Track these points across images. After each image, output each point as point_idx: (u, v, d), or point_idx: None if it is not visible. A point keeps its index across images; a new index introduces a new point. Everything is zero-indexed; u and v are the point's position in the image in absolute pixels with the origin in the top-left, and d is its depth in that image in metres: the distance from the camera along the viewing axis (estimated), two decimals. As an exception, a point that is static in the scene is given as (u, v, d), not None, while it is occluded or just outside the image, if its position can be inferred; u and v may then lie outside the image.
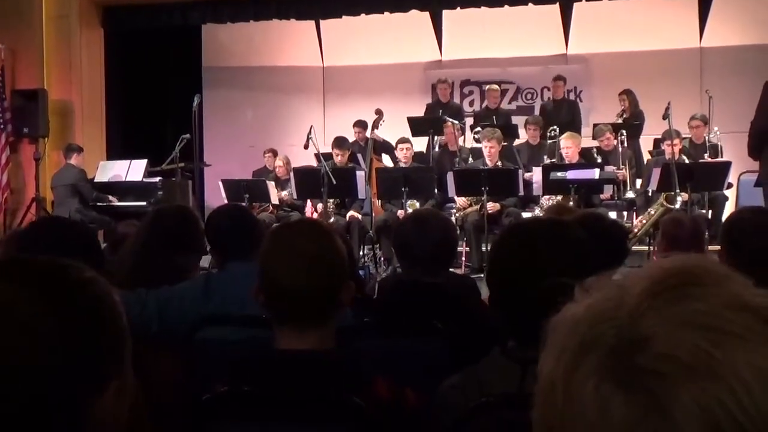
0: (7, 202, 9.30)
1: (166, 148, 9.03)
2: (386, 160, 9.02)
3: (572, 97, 10.47)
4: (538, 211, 7.47)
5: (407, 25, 10.32)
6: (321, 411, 1.60)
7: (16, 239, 2.30)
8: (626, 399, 0.53)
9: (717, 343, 0.52)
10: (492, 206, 7.32)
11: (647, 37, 10.20)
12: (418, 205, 7.34)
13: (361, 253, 7.44)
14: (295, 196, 7.97)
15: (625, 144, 8.39)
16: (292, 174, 7.91)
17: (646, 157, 8.85)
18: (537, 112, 9.92)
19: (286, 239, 1.72)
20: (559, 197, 7.25)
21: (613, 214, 7.24)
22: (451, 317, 2.29)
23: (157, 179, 8.75)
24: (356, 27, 10.44)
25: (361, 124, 9.18)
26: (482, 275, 5.92)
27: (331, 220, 7.23)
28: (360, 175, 7.32)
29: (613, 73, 10.12)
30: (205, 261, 3.99)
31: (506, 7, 9.49)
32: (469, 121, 9.67)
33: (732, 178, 7.45)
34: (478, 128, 8.63)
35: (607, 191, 7.88)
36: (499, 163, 7.59)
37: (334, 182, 7.01)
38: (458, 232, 6.39)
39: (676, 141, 7.24)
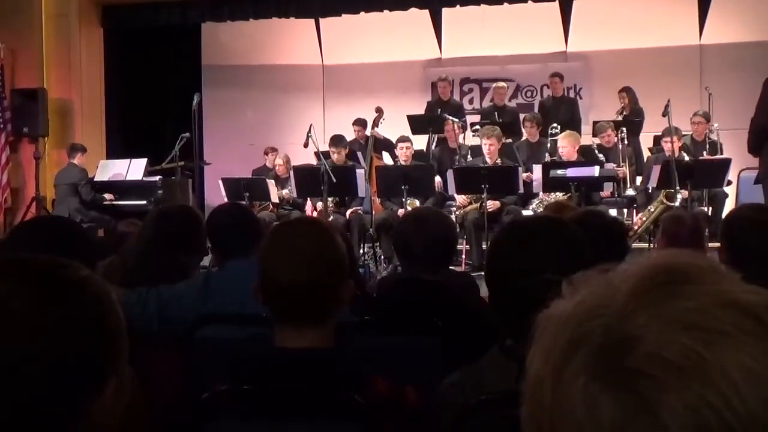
0: (7, 201, 9.31)
1: (165, 146, 9.02)
2: (386, 159, 9.01)
3: (572, 94, 10.44)
4: (536, 204, 7.46)
5: (407, 23, 10.29)
6: (321, 409, 1.60)
7: (5, 240, 2.30)
8: (615, 399, 0.52)
9: (706, 343, 0.52)
10: (492, 204, 7.31)
11: (647, 34, 10.17)
12: (417, 203, 7.34)
13: (361, 251, 7.44)
14: (295, 195, 7.98)
15: (626, 141, 8.38)
16: (292, 172, 7.90)
17: (646, 154, 8.84)
18: (537, 109, 9.91)
19: (286, 237, 1.72)
20: (559, 194, 7.26)
21: (613, 212, 7.23)
22: (451, 315, 2.29)
23: (157, 178, 8.75)
24: (356, 25, 10.42)
25: (360, 123, 9.17)
26: (482, 273, 5.91)
27: (330, 218, 7.22)
28: (360, 173, 7.31)
29: (613, 70, 10.09)
30: (205, 260, 4.00)
31: (506, 4, 9.49)
32: (474, 118, 9.64)
33: (732, 175, 7.44)
34: (477, 126, 8.62)
35: (607, 188, 7.89)
36: (499, 161, 7.59)
37: (334, 180, 7.01)
38: (458, 230, 6.40)
39: (676, 138, 7.23)
